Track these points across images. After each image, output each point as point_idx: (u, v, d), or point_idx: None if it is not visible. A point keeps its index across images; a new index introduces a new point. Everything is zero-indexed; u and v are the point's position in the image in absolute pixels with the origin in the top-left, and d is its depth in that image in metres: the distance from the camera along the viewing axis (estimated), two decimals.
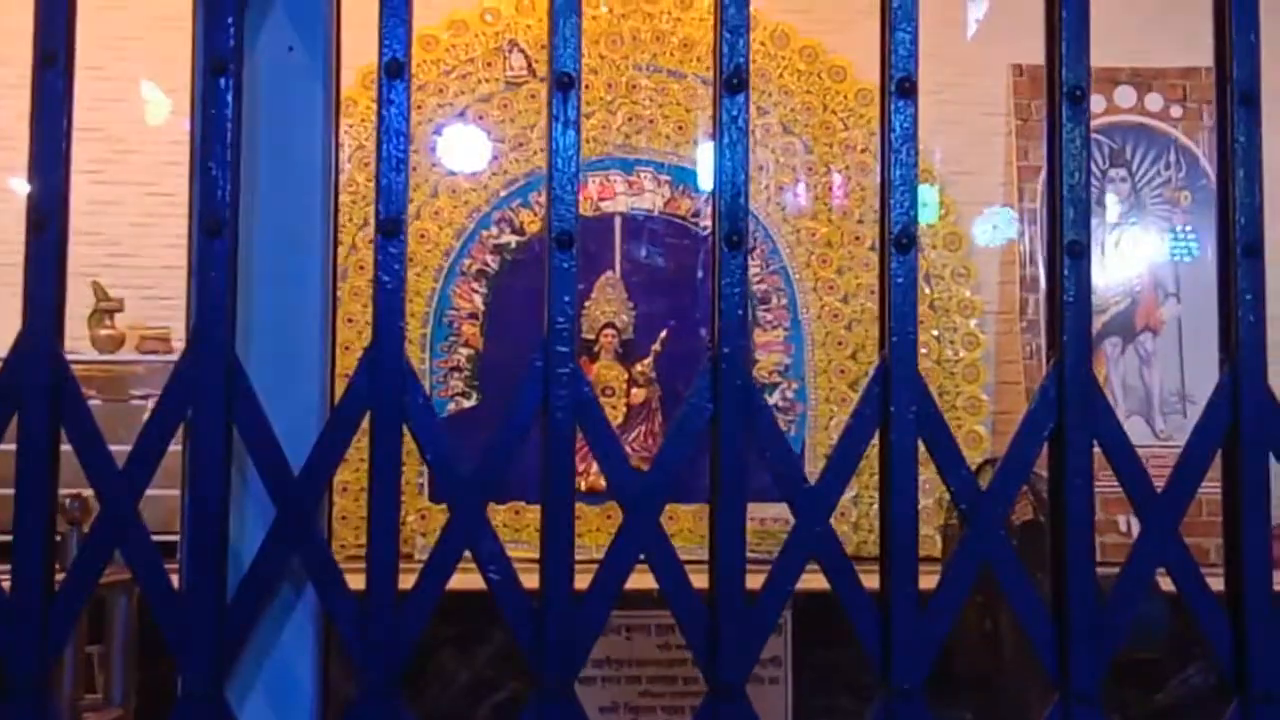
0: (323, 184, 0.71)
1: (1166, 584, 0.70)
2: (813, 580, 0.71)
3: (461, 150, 3.46)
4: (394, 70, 0.68)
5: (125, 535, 0.67)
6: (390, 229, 0.68)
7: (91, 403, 0.72)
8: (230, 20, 0.68)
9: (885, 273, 0.71)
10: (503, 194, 3.54)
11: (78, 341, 3.15)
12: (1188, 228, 3.58)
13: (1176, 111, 3.59)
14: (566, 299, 0.70)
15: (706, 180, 3.20)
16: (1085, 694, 0.68)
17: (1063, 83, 0.71)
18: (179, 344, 1.07)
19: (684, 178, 3.60)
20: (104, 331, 3.22)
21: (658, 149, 3.61)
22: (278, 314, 0.70)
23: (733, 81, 0.70)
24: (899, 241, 0.70)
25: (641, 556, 0.69)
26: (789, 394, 3.51)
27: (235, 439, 0.67)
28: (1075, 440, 0.68)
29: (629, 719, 2.54)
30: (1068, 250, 0.70)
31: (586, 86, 2.67)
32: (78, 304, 2.98)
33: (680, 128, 3.60)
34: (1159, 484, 0.68)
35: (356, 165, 3.19)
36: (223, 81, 0.67)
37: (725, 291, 0.70)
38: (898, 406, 0.68)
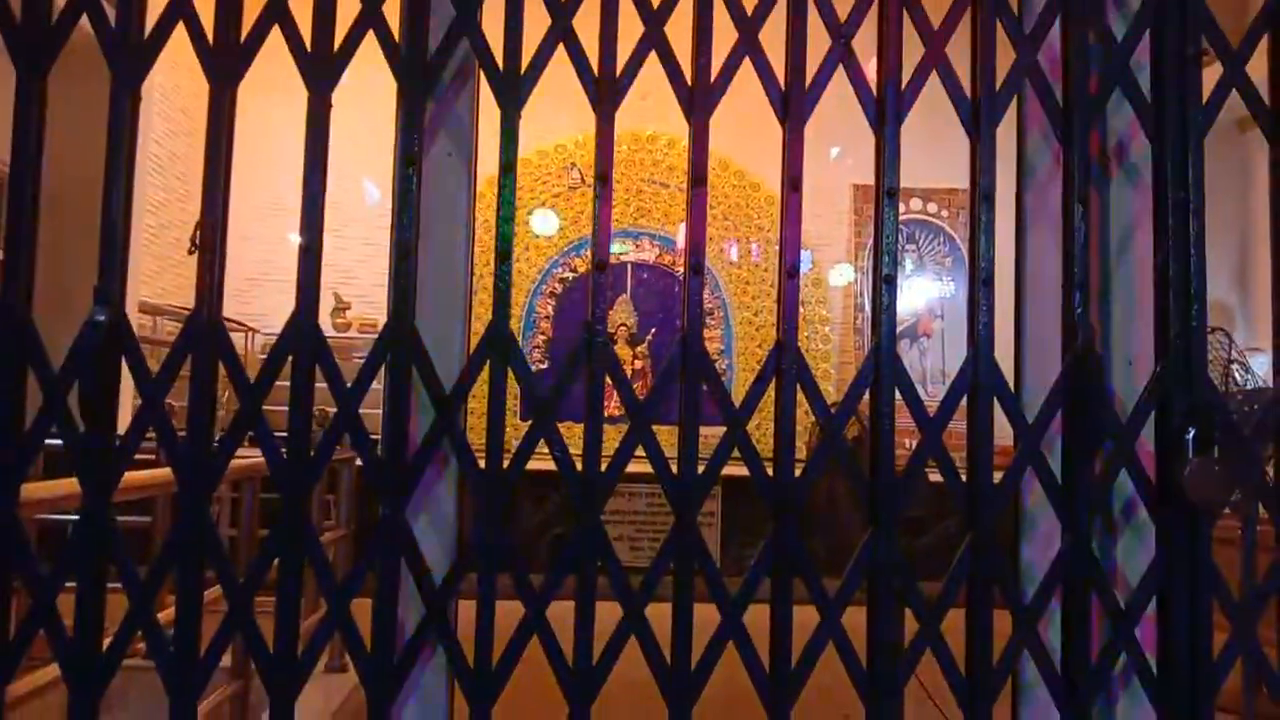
0: (465, 235, 1.24)
1: (934, 475, 1.23)
2: (733, 469, 1.23)
3: (541, 224, 6.76)
4: (508, 169, 1.21)
5: (353, 429, 1.18)
6: (503, 256, 1.21)
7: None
8: (416, 136, 1.21)
9: (782, 293, 1.24)
10: (565, 248, 7.01)
11: (324, 324, 5.50)
12: (948, 278, 7.11)
13: (944, 213, 7.12)
14: (600, 304, 1.23)
15: (680, 243, 6.72)
16: (888, 530, 1.20)
17: (886, 190, 1.25)
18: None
19: (666, 243, 7.10)
20: (339, 320, 6.60)
21: (652, 227, 7.10)
22: (437, 306, 1.22)
23: (697, 179, 1.24)
24: (790, 271, 1.24)
25: (639, 451, 1.21)
26: (722, 366, 7.02)
27: (413, 374, 1.19)
28: (884, 388, 1.22)
29: (627, 545, 4.95)
30: (885, 281, 1.24)
31: (617, 189, 6.55)
32: (325, 304, 5.75)
33: (666, 215, 7.06)
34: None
35: (484, 228, 5.85)
36: (411, 172, 1.20)
37: (692, 300, 1.23)
38: (785, 365, 1.21)
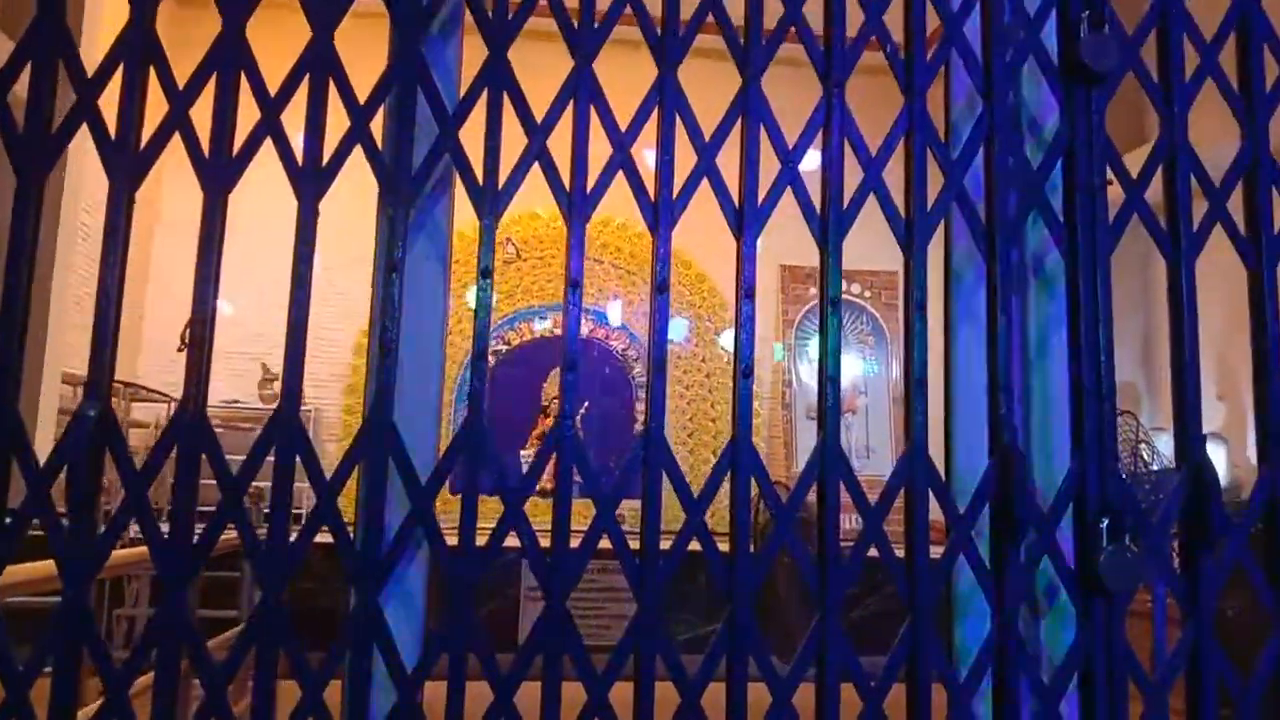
0: (441, 334, 1.32)
1: (873, 552, 1.33)
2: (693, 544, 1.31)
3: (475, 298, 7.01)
4: (485, 273, 1.30)
5: (332, 519, 1.23)
6: (480, 355, 1.29)
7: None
8: (401, 244, 1.29)
9: (736, 391, 1.34)
10: (498, 321, 7.14)
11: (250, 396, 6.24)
12: (872, 356, 7.58)
13: (867, 294, 7.59)
14: (570, 401, 1.31)
15: (614, 320, 7.34)
16: (833, 609, 1.29)
17: (830, 299, 1.37)
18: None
19: (600, 318, 7.32)
20: (265, 392, 6.72)
21: (586, 302, 7.03)
22: (414, 402, 1.29)
23: (660, 286, 1.34)
24: (744, 372, 1.34)
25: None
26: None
27: (390, 466, 1.25)
28: (830, 482, 1.32)
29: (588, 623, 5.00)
30: (830, 381, 1.35)
31: (549, 264, 7.10)
32: (253, 375, 6.71)
33: (600, 290, 7.33)
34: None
35: None
36: (394, 276, 1.28)
37: (654, 397, 1.32)
38: (741, 460, 1.31)
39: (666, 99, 1.33)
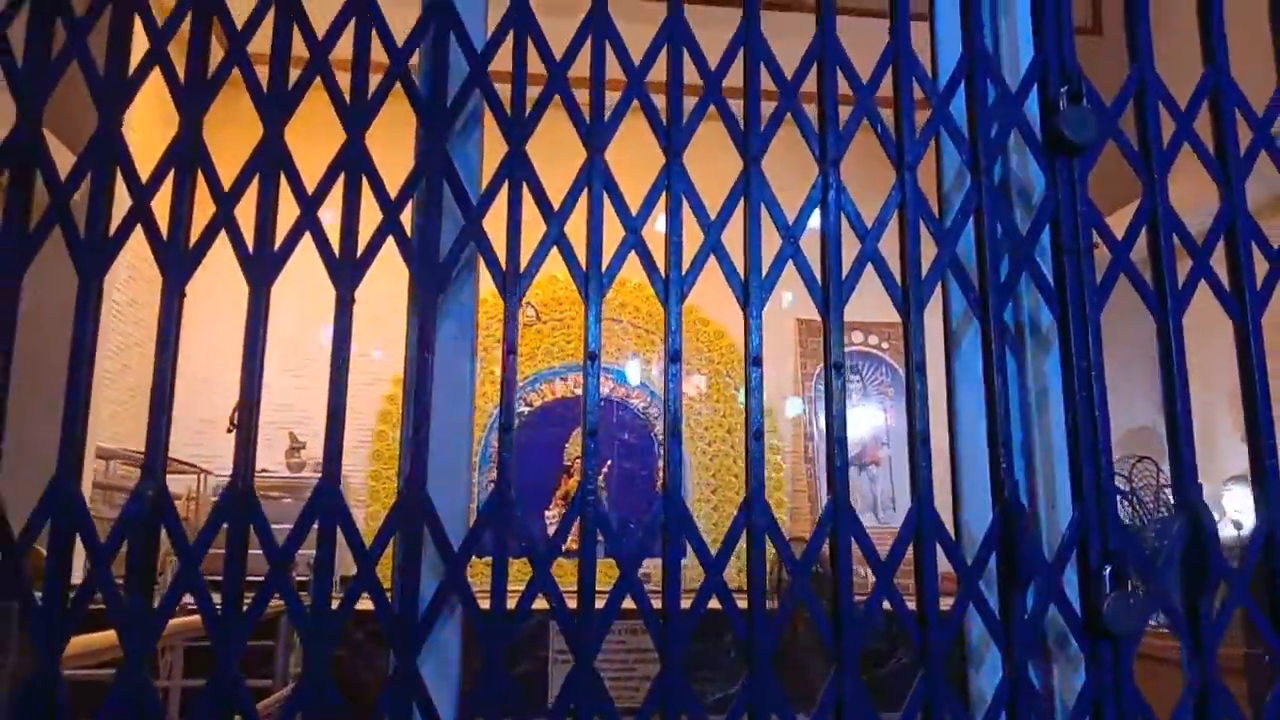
0: (470, 408, 1.41)
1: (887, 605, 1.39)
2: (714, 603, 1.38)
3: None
4: (511, 350, 1.39)
5: (371, 586, 1.31)
6: (506, 427, 1.37)
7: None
8: (432, 326, 1.38)
9: (748, 453, 1.42)
10: (520, 384, 6.92)
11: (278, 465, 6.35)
12: (891, 407, 7.44)
13: (885, 345, 7.55)
14: (591, 468, 1.40)
15: (633, 379, 7.35)
16: (851, 667, 1.35)
17: (833, 364, 1.45)
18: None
19: (620, 377, 7.36)
20: (293, 460, 6.74)
21: (606, 361, 7.11)
22: (446, 472, 1.38)
23: (673, 356, 1.43)
24: (755, 435, 1.42)
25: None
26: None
27: (425, 533, 1.33)
28: (841, 539, 1.39)
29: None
30: (838, 443, 1.42)
31: (569, 326, 7.27)
32: (280, 444, 6.78)
33: (619, 349, 7.39)
34: (882, 551, 1.38)
35: None
36: (426, 355, 1.37)
37: (671, 462, 1.40)
38: (754, 519, 1.38)
39: (674, 185, 1.43)
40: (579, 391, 7.29)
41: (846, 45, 1.53)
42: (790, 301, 7.10)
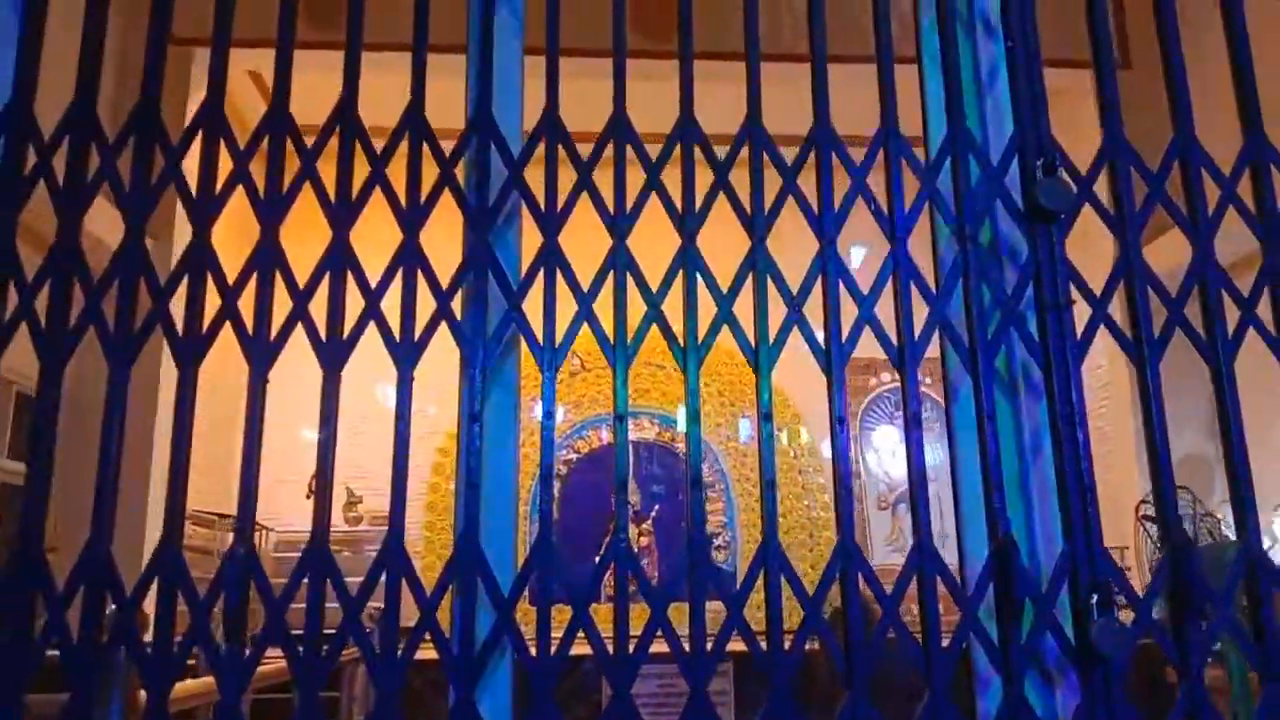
0: (514, 469, 1.60)
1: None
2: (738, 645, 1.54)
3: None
4: (549, 415, 1.58)
5: (434, 630, 1.49)
6: (546, 481, 1.56)
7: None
8: (480, 398, 1.58)
9: (764, 503, 1.58)
10: (568, 432, 7.90)
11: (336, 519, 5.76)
12: (934, 442, 7.04)
13: (927, 379, 7.23)
14: (622, 519, 1.57)
15: (680, 424, 7.50)
16: (861, 692, 1.49)
17: (837, 418, 1.61)
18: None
19: (666, 422, 7.91)
20: (351, 515, 7.41)
21: (652, 406, 7.93)
22: (495, 526, 1.56)
23: (694, 417, 1.60)
24: (768, 484, 1.58)
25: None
26: (725, 539, 7.87)
27: (478, 583, 1.51)
28: (850, 578, 1.54)
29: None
30: (845, 490, 1.58)
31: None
32: (338, 499, 6.90)
33: (664, 394, 7.87)
34: None
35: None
36: (476, 426, 1.57)
37: (693, 496, 1.57)
38: (769, 560, 1.54)
39: (689, 265, 1.62)
40: (630, 437, 7.74)
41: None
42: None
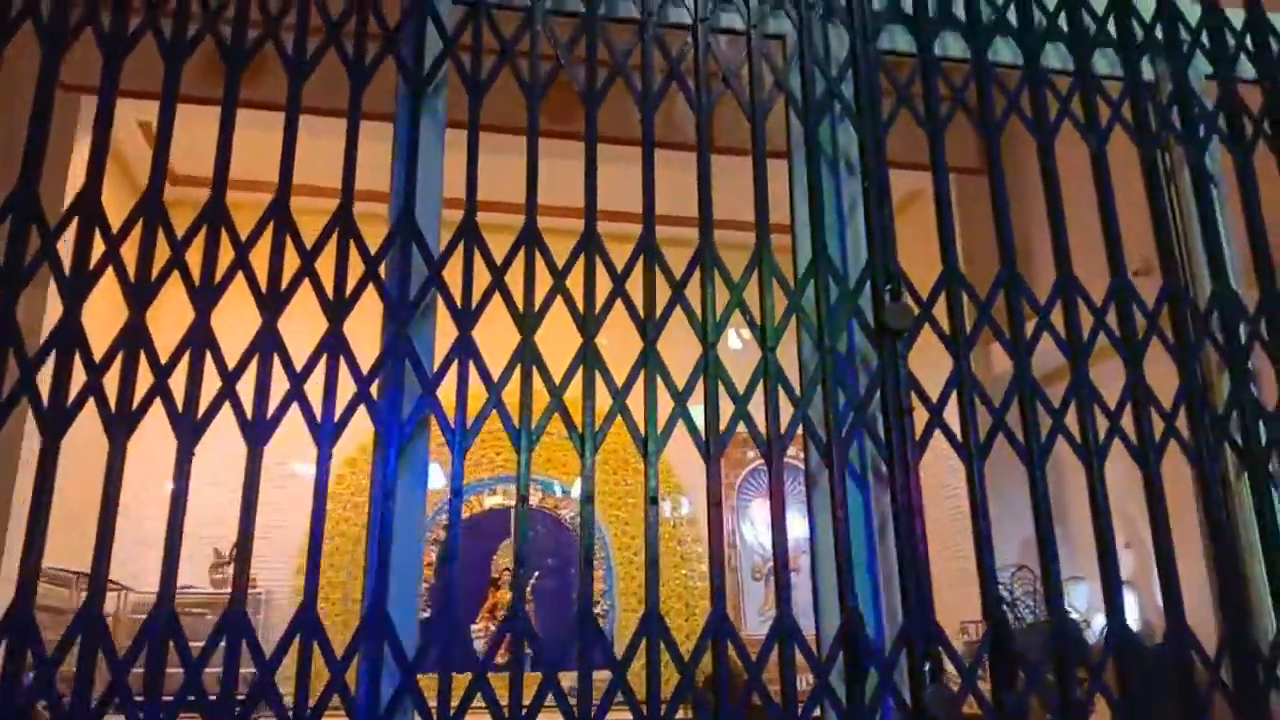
0: (420, 544, 1.75)
1: None
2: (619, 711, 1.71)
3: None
4: (457, 494, 1.74)
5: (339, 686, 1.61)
6: (452, 557, 1.71)
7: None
8: (392, 477, 1.73)
9: (647, 579, 1.77)
10: (450, 497, 7.48)
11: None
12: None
13: (802, 455, 7.78)
14: (520, 588, 1.74)
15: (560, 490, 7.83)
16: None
17: (712, 485, 1.83)
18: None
19: (547, 488, 7.98)
20: (217, 576, 7.13)
21: (533, 473, 7.45)
22: (401, 594, 1.70)
23: (588, 498, 1.79)
24: (651, 562, 1.78)
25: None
26: (605, 606, 7.88)
27: (384, 648, 1.64)
28: (721, 646, 1.74)
29: None
30: (718, 567, 1.80)
31: (499, 436, 7.75)
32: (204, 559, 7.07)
33: (547, 460, 7.84)
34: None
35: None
36: (390, 503, 1.71)
37: (584, 574, 1.75)
38: (651, 632, 1.73)
39: (589, 363, 1.83)
40: (507, 503, 7.77)
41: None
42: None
